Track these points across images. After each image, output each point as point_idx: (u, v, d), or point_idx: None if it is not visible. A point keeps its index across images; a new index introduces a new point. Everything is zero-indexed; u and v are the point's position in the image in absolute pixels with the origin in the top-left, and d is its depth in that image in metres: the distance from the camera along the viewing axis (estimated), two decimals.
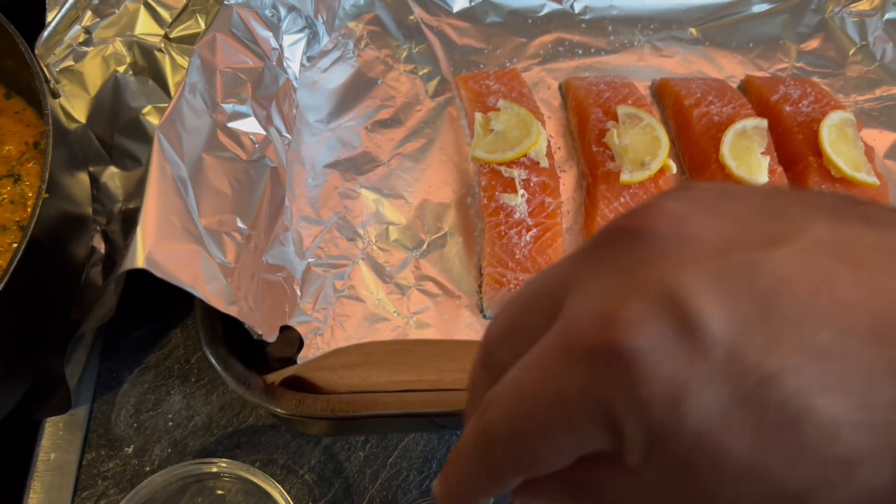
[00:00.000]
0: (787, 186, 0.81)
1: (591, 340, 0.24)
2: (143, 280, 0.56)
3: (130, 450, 0.69)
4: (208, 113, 0.62)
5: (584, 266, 0.26)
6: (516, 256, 0.75)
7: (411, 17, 0.94)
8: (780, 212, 0.25)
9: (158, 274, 0.48)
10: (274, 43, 0.74)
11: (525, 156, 0.80)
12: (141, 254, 0.48)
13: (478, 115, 0.83)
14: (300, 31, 0.83)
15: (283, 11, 0.79)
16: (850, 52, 0.97)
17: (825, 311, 0.22)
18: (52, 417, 0.70)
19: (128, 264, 0.48)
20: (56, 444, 0.69)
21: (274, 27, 0.76)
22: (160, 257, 0.49)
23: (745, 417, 0.22)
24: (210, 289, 0.52)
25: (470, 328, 0.75)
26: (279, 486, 0.59)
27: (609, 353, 0.23)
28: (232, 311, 0.53)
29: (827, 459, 0.21)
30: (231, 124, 0.64)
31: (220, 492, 0.62)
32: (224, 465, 0.58)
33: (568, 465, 0.27)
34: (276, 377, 0.57)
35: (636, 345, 0.22)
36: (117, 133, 0.81)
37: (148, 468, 0.68)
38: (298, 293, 0.73)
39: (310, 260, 0.76)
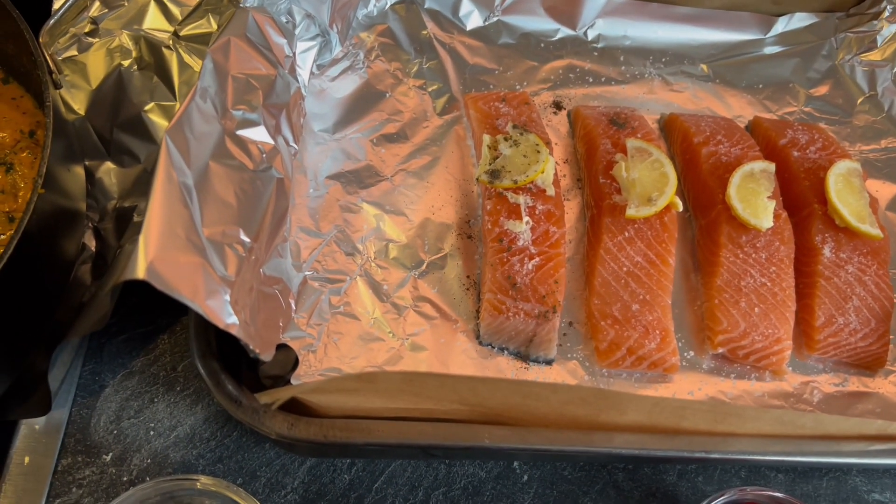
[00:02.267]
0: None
1: None
2: (132, 283, 0.54)
3: (109, 458, 0.67)
4: (218, 119, 0.60)
5: None
6: (517, 284, 0.74)
7: (424, 32, 0.93)
8: None
9: (159, 287, 0.47)
10: (288, 50, 0.73)
11: (532, 182, 0.79)
12: (143, 264, 0.47)
13: (486, 137, 0.82)
14: (313, 38, 0.82)
15: (298, 18, 0.77)
16: (859, 101, 0.97)
17: None
18: (29, 420, 0.67)
19: (128, 274, 0.46)
20: (31, 446, 0.66)
21: (289, 34, 0.74)
22: (162, 268, 0.47)
23: None
24: (210, 304, 0.50)
25: (465, 354, 0.74)
26: None
27: None
28: (231, 328, 0.51)
29: None
30: (240, 132, 0.63)
31: None
32: (207, 481, 0.56)
33: None
34: (270, 398, 0.55)
35: None
36: (117, 128, 0.79)
37: (126, 478, 0.66)
38: (293, 306, 0.71)
39: (307, 273, 0.75)
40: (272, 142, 0.65)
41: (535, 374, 0.75)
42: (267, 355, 0.56)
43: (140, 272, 0.46)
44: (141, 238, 0.48)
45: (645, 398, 0.57)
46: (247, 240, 0.58)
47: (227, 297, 0.53)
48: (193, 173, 0.56)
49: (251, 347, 0.54)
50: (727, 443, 0.60)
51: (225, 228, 0.56)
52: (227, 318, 0.52)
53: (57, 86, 0.74)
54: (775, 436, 0.61)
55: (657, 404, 0.56)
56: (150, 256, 0.47)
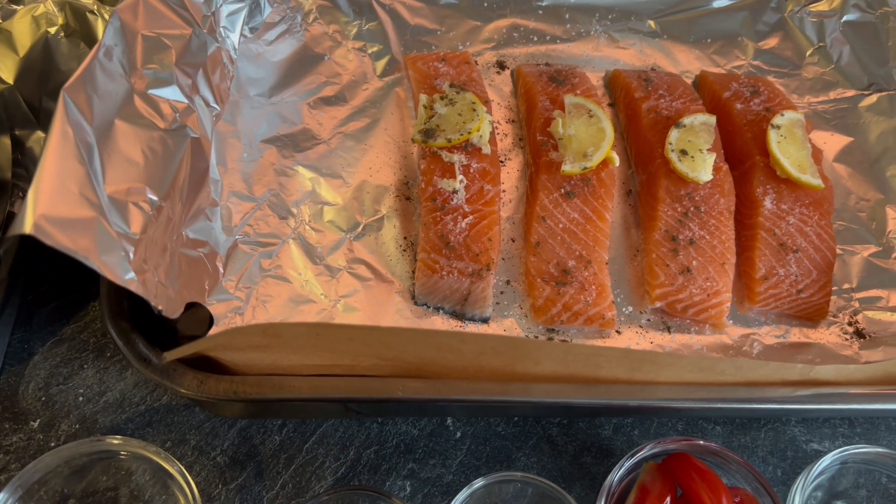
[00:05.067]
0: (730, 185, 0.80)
1: None
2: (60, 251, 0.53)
3: (36, 424, 0.67)
4: (125, 77, 0.59)
5: None
6: (450, 243, 0.73)
7: None
8: None
9: (46, 241, 0.46)
10: (206, 10, 0.71)
11: (467, 141, 0.78)
12: (30, 219, 0.46)
13: (422, 97, 0.81)
14: (240, 0, 0.81)
15: None
16: (808, 53, 0.96)
17: None
18: None
19: (15, 229, 0.46)
20: None
21: None
22: (51, 224, 0.47)
23: None
24: (105, 259, 0.49)
25: (400, 314, 0.74)
26: (181, 467, 0.57)
27: None
28: (129, 284, 0.51)
29: None
30: (151, 91, 0.62)
31: (123, 471, 0.59)
32: (119, 441, 0.56)
33: None
34: (175, 354, 0.54)
35: None
36: (46, 97, 0.78)
37: (53, 444, 0.66)
38: (221, 270, 0.71)
39: (237, 237, 0.74)
40: (186, 101, 0.65)
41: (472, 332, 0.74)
42: (173, 313, 0.56)
43: (27, 227, 0.46)
44: (30, 193, 0.47)
45: (555, 345, 0.56)
46: (154, 198, 0.58)
47: (130, 254, 0.52)
48: (95, 131, 0.55)
49: (153, 304, 0.53)
50: (648, 391, 0.59)
51: (130, 186, 0.56)
52: (125, 274, 0.51)
53: None
54: (697, 383, 0.61)
55: (569, 351, 0.55)
56: (38, 211, 0.47)
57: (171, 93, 0.63)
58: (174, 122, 0.63)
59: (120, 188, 0.55)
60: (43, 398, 0.68)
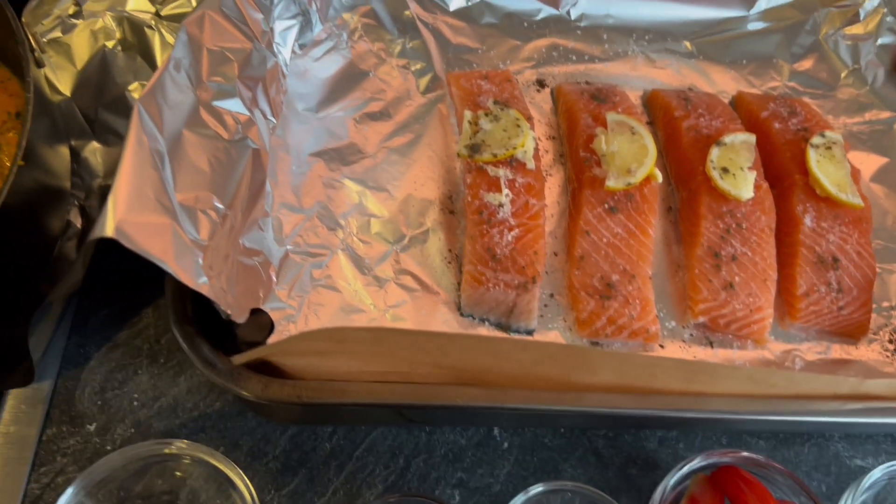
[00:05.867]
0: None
1: None
2: (117, 256, 0.55)
3: (93, 427, 0.68)
4: (192, 89, 0.61)
5: None
6: (497, 255, 0.75)
7: (407, 13, 0.94)
8: None
9: (127, 244, 0.48)
10: (264, 25, 0.74)
11: (512, 156, 0.79)
12: (111, 223, 0.47)
13: (467, 113, 0.83)
14: (293, 17, 0.83)
15: None
16: (842, 75, 0.97)
17: None
18: (14, 390, 0.68)
19: (97, 233, 0.47)
20: (17, 417, 0.67)
21: (265, 10, 0.75)
22: (130, 228, 0.48)
23: None
24: (180, 264, 0.51)
25: (446, 325, 0.75)
26: (240, 472, 0.58)
27: None
28: (202, 287, 0.52)
29: None
30: (215, 103, 0.64)
31: (179, 474, 0.60)
32: (183, 445, 0.57)
33: None
34: (242, 359, 0.56)
35: None
36: (102, 108, 0.80)
37: (109, 447, 0.67)
38: (274, 279, 0.72)
39: (288, 247, 0.75)
40: (248, 113, 0.66)
41: None
42: (240, 318, 0.57)
43: (109, 230, 0.47)
44: (110, 199, 0.49)
45: (613, 354, 0.57)
46: (220, 206, 0.59)
47: (199, 260, 0.54)
48: (166, 140, 0.56)
49: (223, 308, 0.55)
50: (701, 402, 0.60)
51: (198, 194, 0.57)
52: (198, 278, 0.52)
53: (39, 64, 0.75)
54: (749, 395, 0.62)
55: (625, 361, 0.56)
56: (118, 216, 0.48)
57: (233, 105, 0.65)
58: (237, 134, 0.64)
59: (189, 196, 0.56)
60: (99, 402, 0.69)
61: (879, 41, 0.97)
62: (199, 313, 0.61)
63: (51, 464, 0.66)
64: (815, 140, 0.83)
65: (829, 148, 0.83)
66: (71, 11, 0.79)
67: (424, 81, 0.91)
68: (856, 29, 0.98)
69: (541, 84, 0.94)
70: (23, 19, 0.73)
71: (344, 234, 0.78)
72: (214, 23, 0.66)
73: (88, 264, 0.54)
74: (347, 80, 0.89)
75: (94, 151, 0.80)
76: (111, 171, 0.79)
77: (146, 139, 0.53)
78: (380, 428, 0.70)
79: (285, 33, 0.82)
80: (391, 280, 0.76)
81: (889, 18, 0.97)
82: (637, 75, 0.96)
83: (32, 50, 0.70)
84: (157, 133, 0.56)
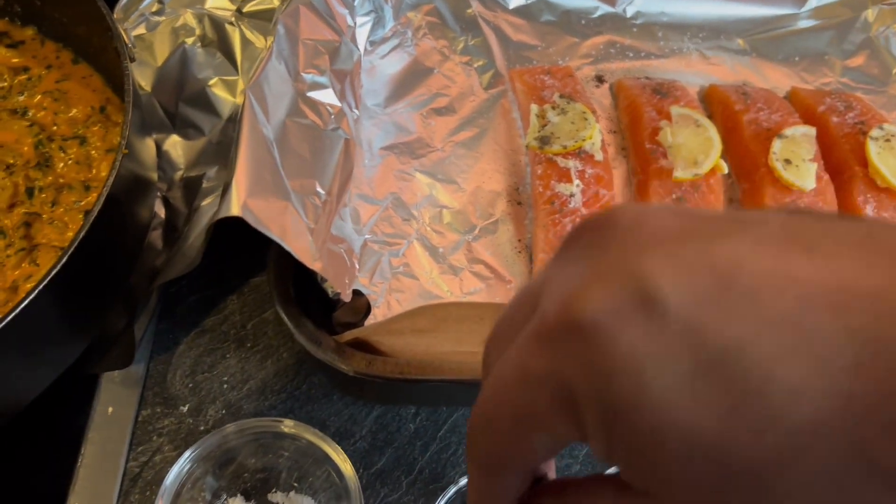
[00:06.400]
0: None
1: (555, 321, 0.24)
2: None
3: (185, 409, 0.70)
4: (291, 81, 0.64)
5: (555, 265, 0.28)
6: None
7: (469, 11, 0.96)
8: (736, 214, 0.26)
9: (252, 223, 0.50)
10: (350, 20, 0.76)
11: (580, 148, 0.82)
12: (236, 202, 0.50)
13: (534, 107, 0.85)
14: (367, 14, 0.85)
15: None
16: (894, 71, 0.99)
17: (781, 285, 0.22)
18: (110, 374, 0.71)
19: (223, 212, 0.50)
20: (113, 398, 0.70)
21: (349, 6, 0.77)
22: (254, 208, 0.51)
23: (706, 389, 0.21)
24: (297, 244, 0.53)
25: None
26: (341, 450, 0.60)
27: (570, 329, 0.23)
28: (317, 266, 0.54)
29: (790, 428, 0.21)
30: (310, 94, 0.66)
31: (280, 452, 0.63)
32: (292, 424, 0.59)
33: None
34: (349, 336, 0.58)
35: (594, 318, 0.23)
36: (182, 103, 0.83)
37: (202, 427, 0.69)
38: (357, 266, 0.74)
39: (367, 236, 0.78)
40: (339, 104, 0.69)
41: None
42: (346, 296, 0.60)
43: (234, 209, 0.50)
44: (233, 180, 0.51)
45: None
46: (322, 192, 0.62)
47: (311, 241, 0.56)
48: (273, 128, 0.59)
49: (332, 288, 0.57)
50: None
51: (303, 181, 0.59)
52: (314, 259, 0.55)
53: (132, 58, 0.77)
54: None
55: None
56: (241, 197, 0.51)
57: (326, 96, 0.68)
58: (331, 124, 0.67)
59: (296, 182, 0.59)
60: (190, 385, 0.71)
61: None
62: (297, 297, 0.63)
63: (147, 443, 0.68)
64: (875, 132, 0.85)
65: (888, 140, 0.85)
66: (155, 9, 0.82)
67: (487, 77, 0.94)
68: None
69: (599, 80, 0.96)
70: (115, 16, 0.75)
71: (418, 225, 0.81)
72: (307, 16, 0.68)
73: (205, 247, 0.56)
74: (413, 77, 0.91)
75: (174, 145, 0.82)
76: (192, 163, 0.81)
77: (259, 125, 0.56)
78: (461, 409, 0.72)
79: (360, 29, 0.84)
80: (465, 268, 0.79)
81: None
82: (692, 71, 0.98)
83: (126, 45, 0.73)
84: (265, 120, 0.58)
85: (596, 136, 0.82)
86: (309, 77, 0.66)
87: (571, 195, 0.79)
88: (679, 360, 0.22)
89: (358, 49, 0.79)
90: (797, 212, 0.26)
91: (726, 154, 0.91)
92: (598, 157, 0.82)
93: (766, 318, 0.21)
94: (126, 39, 0.77)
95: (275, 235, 0.51)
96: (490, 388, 0.27)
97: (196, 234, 0.63)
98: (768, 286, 0.22)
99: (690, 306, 0.22)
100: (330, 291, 0.58)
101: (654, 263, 0.23)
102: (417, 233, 0.80)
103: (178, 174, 0.81)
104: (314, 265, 0.54)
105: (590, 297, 0.23)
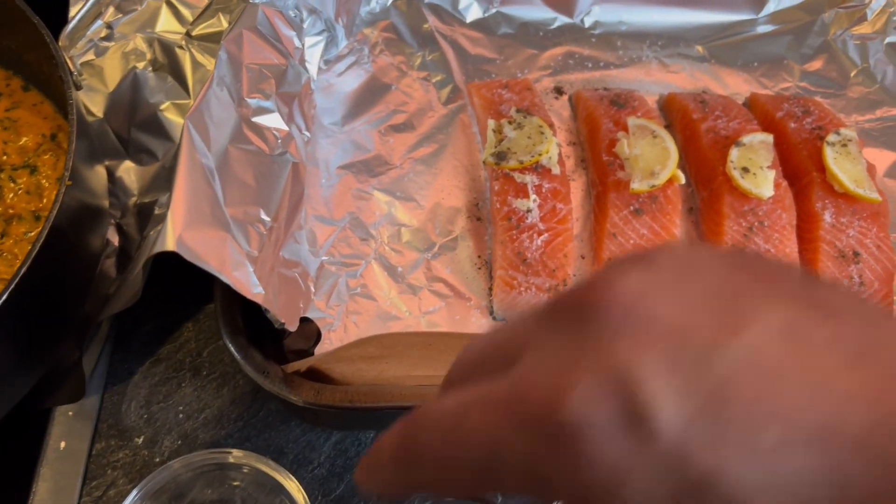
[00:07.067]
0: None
1: (539, 408, 0.24)
2: (155, 274, 0.56)
3: (140, 440, 0.69)
4: (234, 107, 0.63)
5: (542, 327, 0.27)
6: (527, 260, 0.76)
7: (426, 26, 0.96)
8: (738, 297, 0.24)
9: (188, 257, 0.49)
10: (297, 42, 0.76)
11: (537, 162, 0.81)
12: (171, 237, 0.49)
13: (491, 122, 0.85)
14: (319, 33, 0.85)
15: (304, 13, 0.80)
16: (852, 74, 0.99)
17: (771, 413, 0.22)
18: (63, 407, 0.70)
19: (158, 247, 0.49)
20: (66, 432, 0.69)
21: (297, 27, 0.77)
22: (190, 241, 0.50)
23: None
24: (237, 275, 0.52)
25: (480, 329, 0.76)
26: (293, 478, 0.60)
27: (556, 427, 0.23)
28: (258, 297, 0.54)
29: None
30: (255, 119, 0.65)
31: (234, 483, 0.62)
32: (241, 455, 0.58)
33: None
34: (296, 367, 0.57)
35: (585, 424, 0.22)
36: (134, 128, 0.82)
37: (158, 459, 0.68)
38: (312, 289, 0.73)
39: (323, 258, 0.77)
40: (286, 128, 0.68)
41: None
42: (292, 326, 0.59)
43: (170, 244, 0.49)
44: (169, 214, 0.50)
45: None
46: (267, 219, 0.61)
47: (253, 271, 0.55)
48: (214, 156, 0.58)
49: (276, 317, 0.56)
50: None
51: (246, 208, 0.59)
52: (254, 288, 0.54)
53: (78, 87, 0.76)
54: None
55: None
56: (178, 230, 0.50)
57: (273, 120, 0.67)
58: (277, 148, 0.66)
59: (238, 210, 0.58)
60: (145, 416, 0.71)
61: (887, 40, 0.99)
62: (246, 324, 0.62)
63: (102, 477, 0.67)
64: (831, 138, 0.85)
65: (844, 145, 0.85)
66: (103, 34, 0.81)
67: (445, 92, 0.93)
68: (863, 28, 1.00)
69: (559, 91, 0.96)
70: (60, 43, 0.74)
71: (376, 244, 0.80)
72: (251, 40, 0.67)
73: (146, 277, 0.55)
74: (371, 94, 0.91)
75: (127, 170, 0.81)
76: (145, 189, 0.80)
77: (197, 155, 0.55)
78: None
79: (312, 49, 0.84)
80: (424, 287, 0.78)
81: None
82: (652, 80, 0.98)
83: (71, 73, 0.72)
84: (205, 149, 0.57)
85: (553, 149, 0.82)
86: (254, 102, 0.66)
87: (528, 210, 0.78)
88: (661, 481, 0.22)
89: (307, 71, 0.78)
90: (816, 288, 0.25)
91: (686, 163, 0.91)
92: (556, 170, 0.82)
93: (751, 448, 0.21)
94: (71, 67, 0.76)
95: (213, 268, 0.51)
96: (451, 429, 0.26)
97: (135, 271, 0.62)
98: (758, 414, 0.22)
99: (679, 428, 0.22)
100: (275, 322, 0.57)
101: (649, 369, 0.22)
102: (376, 252, 0.79)
103: (132, 200, 0.80)
104: (255, 296, 0.54)
105: (577, 395, 0.23)
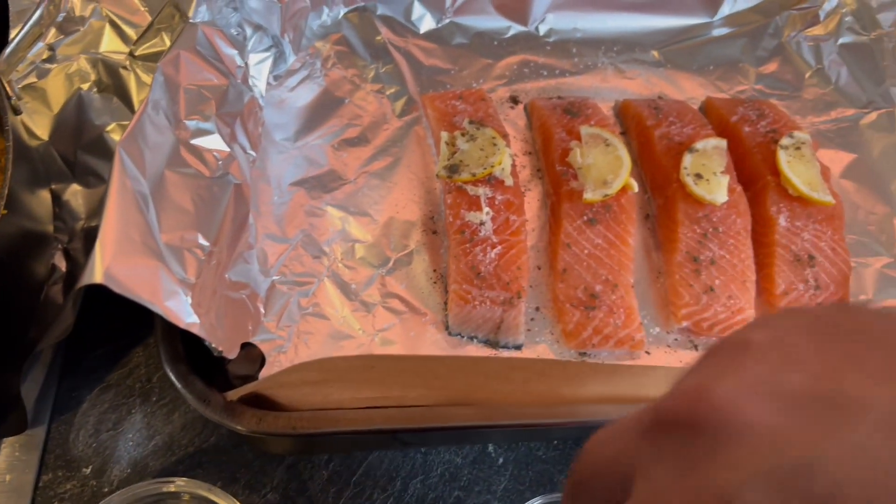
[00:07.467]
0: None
1: None
2: (105, 298, 0.55)
3: (89, 470, 0.68)
4: (171, 130, 0.62)
5: (647, 451, 0.27)
6: (481, 273, 0.76)
7: (378, 38, 0.95)
8: (837, 383, 0.24)
9: (116, 289, 0.48)
10: (239, 61, 0.75)
11: (490, 174, 0.81)
12: (99, 269, 0.48)
13: (444, 134, 0.84)
14: (266, 49, 0.84)
15: (248, 31, 0.79)
16: (807, 76, 1.00)
17: None
18: (8, 439, 0.68)
19: (85, 279, 0.48)
20: (12, 465, 0.67)
21: (239, 45, 0.76)
22: (119, 272, 0.49)
23: None
24: (169, 304, 0.51)
25: (435, 345, 0.75)
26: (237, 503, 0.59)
27: None
28: (192, 327, 0.53)
29: None
30: (194, 141, 0.64)
31: None
32: (182, 483, 0.57)
33: None
34: (235, 394, 0.56)
35: None
36: (81, 150, 0.80)
37: (106, 489, 0.67)
38: (262, 311, 0.72)
39: (274, 278, 0.76)
40: (228, 149, 0.67)
41: None
42: (231, 353, 0.58)
43: (97, 277, 0.48)
44: (97, 245, 0.49)
45: (601, 366, 0.58)
46: (206, 244, 0.60)
47: (188, 299, 0.54)
48: (148, 182, 0.57)
49: (213, 346, 0.55)
50: None
51: (183, 234, 0.58)
52: (187, 317, 0.53)
53: (16, 111, 0.75)
54: None
55: (615, 372, 0.57)
56: (106, 262, 0.49)
57: (213, 142, 0.66)
58: (218, 170, 0.65)
59: (174, 236, 0.57)
60: (94, 445, 0.69)
61: (840, 41, 1.00)
62: (190, 351, 0.61)
63: None
64: (784, 141, 0.85)
65: (798, 148, 0.85)
66: (45, 56, 0.79)
67: (400, 105, 0.92)
68: (817, 30, 1.00)
69: (514, 101, 0.96)
70: None
71: (329, 262, 0.79)
72: (189, 62, 0.66)
73: (78, 309, 0.54)
74: (323, 108, 0.90)
75: (75, 194, 0.80)
76: (93, 212, 0.79)
77: (129, 182, 0.54)
78: (376, 452, 0.71)
79: (259, 66, 0.83)
80: (378, 304, 0.77)
81: (848, 18, 1.00)
82: (608, 87, 0.98)
83: (9, 97, 0.70)
84: (139, 175, 0.56)
85: (506, 160, 0.81)
86: (192, 124, 0.65)
87: (481, 223, 0.78)
88: None
89: (251, 89, 0.77)
90: None
91: (641, 169, 0.91)
92: (509, 182, 0.81)
93: None
94: (9, 91, 0.75)
95: (143, 299, 0.50)
96: None
97: (66, 303, 0.61)
98: None
99: None
100: (213, 350, 0.56)
101: (750, 496, 0.23)
102: (329, 270, 0.79)
103: (80, 224, 0.79)
104: (188, 326, 0.53)
105: None
